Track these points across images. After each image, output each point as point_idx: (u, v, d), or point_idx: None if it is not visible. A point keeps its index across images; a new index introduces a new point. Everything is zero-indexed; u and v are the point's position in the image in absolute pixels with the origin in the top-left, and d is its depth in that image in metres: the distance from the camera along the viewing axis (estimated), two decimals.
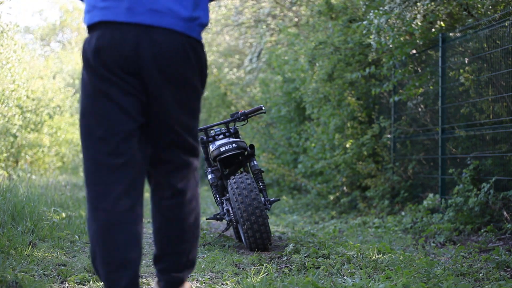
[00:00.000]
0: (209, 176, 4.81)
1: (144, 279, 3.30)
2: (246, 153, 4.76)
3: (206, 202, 10.14)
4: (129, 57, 2.09)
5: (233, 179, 4.44)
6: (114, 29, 2.09)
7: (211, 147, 4.73)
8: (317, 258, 4.02)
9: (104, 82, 2.11)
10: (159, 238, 2.33)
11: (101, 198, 2.12)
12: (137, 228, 2.15)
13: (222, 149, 4.59)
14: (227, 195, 4.75)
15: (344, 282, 3.21)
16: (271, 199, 4.70)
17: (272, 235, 4.79)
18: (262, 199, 4.61)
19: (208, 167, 4.87)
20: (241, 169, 4.79)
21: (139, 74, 2.12)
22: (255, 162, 4.79)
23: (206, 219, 4.87)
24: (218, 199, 4.80)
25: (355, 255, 4.09)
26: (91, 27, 2.16)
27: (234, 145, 4.60)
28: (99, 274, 2.16)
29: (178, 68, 2.15)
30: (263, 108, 4.90)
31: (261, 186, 4.71)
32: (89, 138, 2.16)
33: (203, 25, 2.24)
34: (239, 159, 4.75)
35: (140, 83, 2.14)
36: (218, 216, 4.84)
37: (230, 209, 4.62)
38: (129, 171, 2.15)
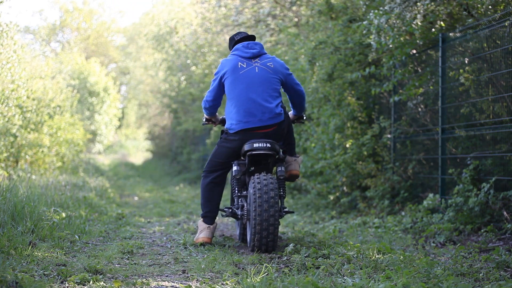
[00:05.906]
0: (234, 168, 4.70)
1: (144, 279, 3.31)
2: (277, 156, 4.68)
3: None
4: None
5: (257, 177, 4.36)
6: (250, 132, 4.61)
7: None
8: (317, 258, 4.02)
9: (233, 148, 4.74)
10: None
11: (209, 175, 4.81)
12: (219, 189, 4.81)
13: (255, 145, 4.51)
14: (245, 192, 4.71)
15: (344, 282, 3.21)
16: (285, 209, 4.65)
17: None
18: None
19: (235, 160, 4.81)
20: (265, 172, 4.70)
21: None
22: (282, 168, 4.70)
23: (219, 209, 4.83)
24: (237, 191, 4.75)
25: (355, 255, 4.09)
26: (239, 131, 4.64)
27: (268, 145, 4.52)
28: (201, 205, 4.87)
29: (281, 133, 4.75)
30: (304, 117, 5.12)
31: (281, 193, 4.66)
32: (215, 159, 4.81)
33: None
34: (267, 162, 4.67)
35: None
36: (230, 209, 4.81)
37: (245, 205, 4.59)
38: (225, 174, 4.85)
